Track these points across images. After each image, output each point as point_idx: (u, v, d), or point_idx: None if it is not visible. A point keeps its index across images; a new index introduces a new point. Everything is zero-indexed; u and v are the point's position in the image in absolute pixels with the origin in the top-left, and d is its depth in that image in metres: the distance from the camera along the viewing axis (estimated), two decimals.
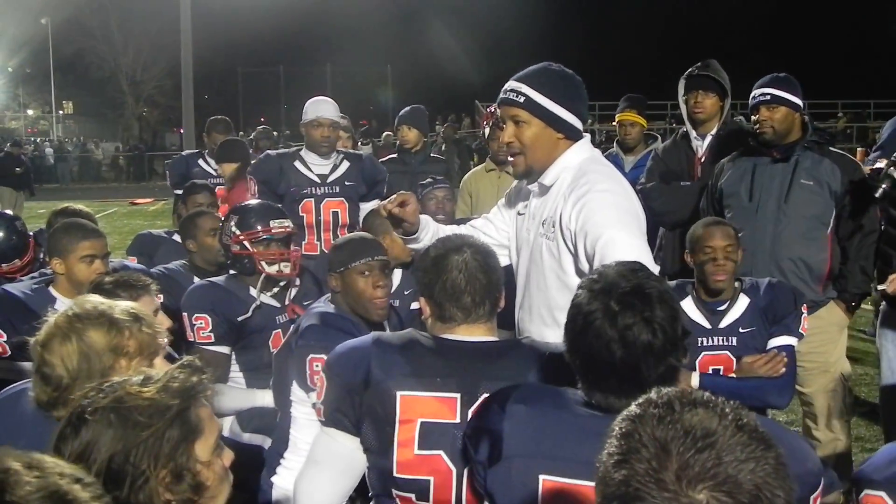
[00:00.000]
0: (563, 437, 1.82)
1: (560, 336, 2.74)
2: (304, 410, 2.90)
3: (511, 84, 2.89)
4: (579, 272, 2.77)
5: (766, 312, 3.43)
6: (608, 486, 1.18)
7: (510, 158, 3.02)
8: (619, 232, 2.65)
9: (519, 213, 3.11)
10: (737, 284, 3.52)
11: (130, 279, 2.96)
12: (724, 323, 3.46)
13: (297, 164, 5.06)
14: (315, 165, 5.06)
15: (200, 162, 6.81)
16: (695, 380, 3.21)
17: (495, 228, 3.27)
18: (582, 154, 2.90)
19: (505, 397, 1.93)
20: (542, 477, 1.82)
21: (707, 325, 3.47)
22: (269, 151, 5.62)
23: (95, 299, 2.24)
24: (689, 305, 3.49)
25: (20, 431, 2.12)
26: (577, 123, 2.89)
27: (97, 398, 1.59)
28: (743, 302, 3.47)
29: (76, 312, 2.15)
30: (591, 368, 1.84)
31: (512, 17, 46.46)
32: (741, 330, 3.43)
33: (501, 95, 2.91)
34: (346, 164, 5.15)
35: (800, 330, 3.45)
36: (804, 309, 3.49)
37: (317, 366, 2.84)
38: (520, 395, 1.93)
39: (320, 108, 5.03)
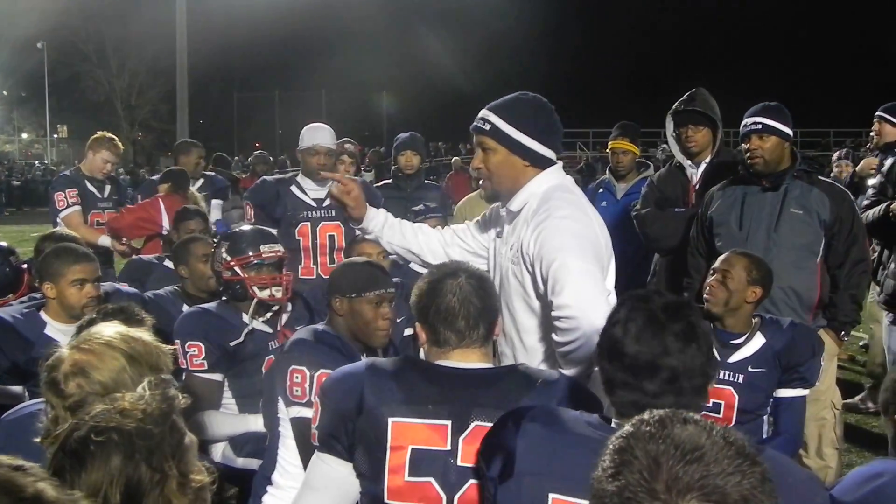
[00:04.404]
0: (575, 456, 1.84)
1: (529, 359, 2.79)
2: (290, 428, 2.91)
3: (481, 113, 2.99)
4: (540, 297, 2.83)
5: (781, 357, 3.36)
6: (602, 498, 1.24)
7: (480, 183, 3.11)
8: (572, 257, 2.70)
9: (497, 236, 3.15)
10: (756, 320, 3.45)
11: (125, 312, 2.95)
12: (734, 358, 3.39)
13: (294, 188, 5.09)
14: (311, 190, 5.09)
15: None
16: None
17: (472, 237, 3.32)
18: (550, 181, 2.95)
19: (520, 416, 1.95)
20: (551, 495, 1.83)
21: (716, 356, 3.41)
22: (265, 177, 5.69)
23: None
24: None
25: (36, 455, 2.09)
26: (545, 151, 2.94)
27: (90, 423, 1.57)
28: (758, 341, 3.39)
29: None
30: (603, 368, 1.92)
31: (515, 47, 46.79)
32: (750, 369, 3.36)
33: (473, 124, 3.00)
34: None
35: (814, 380, 3.42)
36: (823, 360, 3.45)
37: (297, 377, 2.86)
38: (536, 415, 1.95)
39: (317, 135, 5.06)
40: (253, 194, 5.19)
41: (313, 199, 5.08)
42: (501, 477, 1.89)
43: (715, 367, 1.90)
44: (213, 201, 7.25)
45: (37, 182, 35.16)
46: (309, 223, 5.05)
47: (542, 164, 2.95)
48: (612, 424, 1.89)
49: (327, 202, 5.10)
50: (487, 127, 2.93)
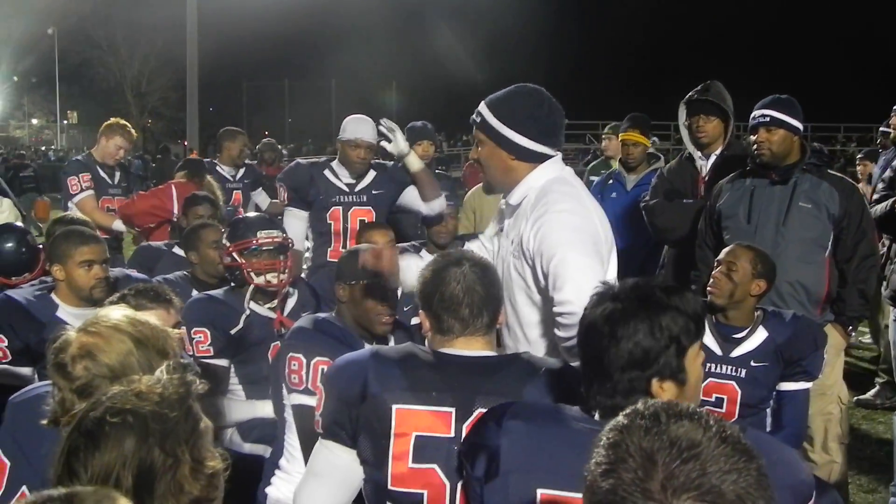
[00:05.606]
0: (560, 450, 1.83)
1: (533, 352, 2.79)
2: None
3: (479, 105, 3.02)
4: (542, 291, 2.82)
5: (783, 350, 3.35)
6: (595, 494, 1.21)
7: (480, 175, 3.22)
8: (572, 252, 2.70)
9: (500, 230, 3.15)
10: (758, 314, 3.44)
11: (155, 290, 3.00)
12: (736, 352, 3.38)
13: (327, 172, 5.05)
14: (345, 176, 5.05)
15: (218, 168, 7.12)
16: None
17: (491, 244, 3.31)
18: (548, 174, 2.94)
19: (501, 414, 1.95)
20: (539, 490, 1.83)
21: (718, 351, 3.40)
22: (299, 160, 5.67)
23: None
24: None
25: (43, 437, 2.12)
26: (532, 146, 2.92)
27: (107, 404, 1.57)
28: (761, 335, 3.39)
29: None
30: (580, 359, 1.94)
31: (524, 37, 46.64)
32: (753, 363, 3.36)
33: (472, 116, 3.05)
34: (372, 174, 5.10)
35: (816, 373, 3.41)
36: (827, 354, 3.45)
37: (294, 365, 2.89)
38: (516, 412, 1.94)
39: (360, 128, 4.97)
40: (287, 177, 5.17)
41: (346, 184, 5.03)
42: (487, 476, 1.88)
43: (656, 357, 1.83)
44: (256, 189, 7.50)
45: (48, 168, 35.32)
46: (341, 207, 5.02)
47: (529, 158, 2.94)
48: (595, 416, 1.88)
49: (359, 187, 5.05)
50: (479, 120, 2.97)
